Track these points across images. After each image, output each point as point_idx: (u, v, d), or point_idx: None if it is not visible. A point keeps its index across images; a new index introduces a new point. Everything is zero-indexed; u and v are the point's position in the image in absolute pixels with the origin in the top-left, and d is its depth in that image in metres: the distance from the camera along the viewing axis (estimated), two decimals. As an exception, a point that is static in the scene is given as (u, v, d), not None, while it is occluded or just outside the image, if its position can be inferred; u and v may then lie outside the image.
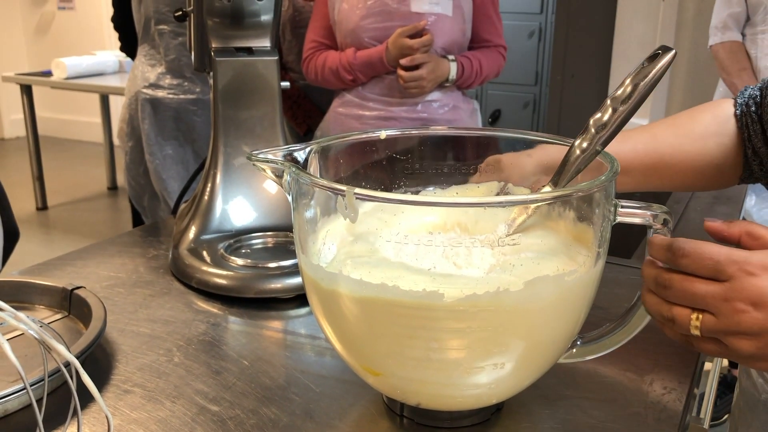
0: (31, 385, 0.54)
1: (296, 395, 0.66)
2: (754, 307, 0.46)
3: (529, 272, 0.50)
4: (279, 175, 0.59)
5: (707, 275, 0.48)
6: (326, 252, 0.57)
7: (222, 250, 0.92)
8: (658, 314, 0.53)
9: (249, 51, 1.00)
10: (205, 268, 0.88)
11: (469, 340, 0.51)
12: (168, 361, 0.71)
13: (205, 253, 0.92)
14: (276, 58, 1.00)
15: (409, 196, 0.53)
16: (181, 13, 1.01)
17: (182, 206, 1.07)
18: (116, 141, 2.64)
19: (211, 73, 0.99)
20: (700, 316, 0.49)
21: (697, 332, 0.49)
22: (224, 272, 0.87)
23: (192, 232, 0.96)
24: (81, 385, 0.50)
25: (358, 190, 0.50)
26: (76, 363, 0.44)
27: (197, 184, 1.05)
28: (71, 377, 0.47)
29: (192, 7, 0.99)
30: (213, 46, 0.99)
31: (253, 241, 0.96)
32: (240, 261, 0.90)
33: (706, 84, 2.76)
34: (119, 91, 3.66)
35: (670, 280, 0.50)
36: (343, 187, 0.50)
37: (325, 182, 0.53)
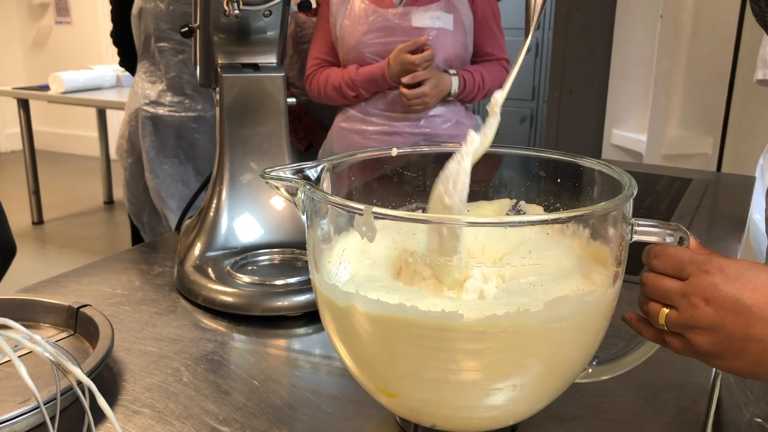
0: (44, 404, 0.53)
1: (307, 416, 0.65)
2: (705, 302, 0.50)
3: (549, 293, 0.50)
4: (292, 193, 0.58)
5: (672, 274, 0.53)
6: (341, 270, 0.56)
7: (228, 267, 0.92)
8: (640, 309, 0.57)
9: (255, 67, 1.00)
10: (211, 285, 0.88)
11: (487, 361, 0.50)
12: (176, 380, 0.70)
13: (210, 270, 0.91)
14: (282, 74, 1.00)
15: (427, 215, 0.53)
16: (187, 29, 1.01)
17: (186, 222, 1.06)
18: (113, 156, 2.63)
19: (217, 89, 0.99)
20: (666, 310, 0.53)
21: (663, 325, 0.54)
22: (230, 290, 0.86)
23: (197, 249, 0.95)
24: (92, 406, 0.49)
25: (375, 209, 0.49)
26: (92, 385, 0.43)
27: (201, 201, 1.04)
28: (84, 396, 0.47)
29: (198, 23, 0.99)
30: (219, 62, 0.99)
31: (260, 258, 0.96)
32: (246, 278, 0.89)
33: (704, 97, 2.78)
34: (116, 106, 3.66)
35: (646, 278, 0.55)
36: (361, 206, 0.50)
37: (341, 201, 0.53)
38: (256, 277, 0.89)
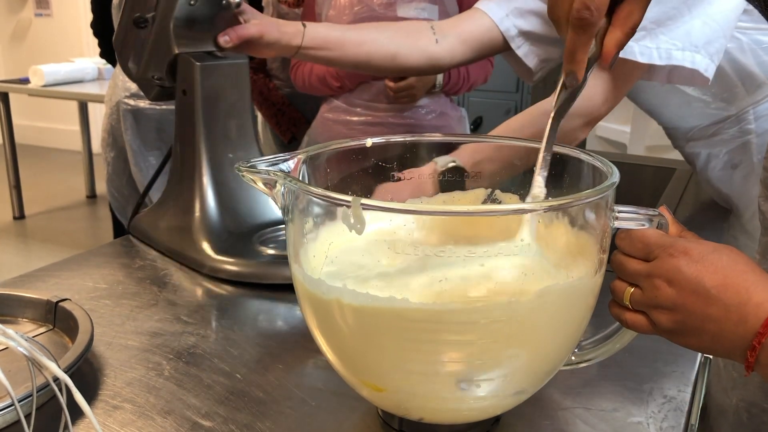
0: (19, 401, 0.52)
1: (291, 409, 0.64)
2: (668, 284, 0.52)
3: (539, 281, 0.49)
4: (270, 186, 0.57)
5: (639, 255, 0.55)
6: (327, 264, 0.55)
7: (253, 241, 0.96)
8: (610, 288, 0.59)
9: (215, 55, 0.99)
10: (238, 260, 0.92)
11: (477, 351, 0.50)
12: (158, 375, 0.69)
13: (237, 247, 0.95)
14: (246, 60, 0.99)
15: (417, 205, 0.52)
16: (139, 16, 0.98)
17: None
18: (96, 149, 2.60)
19: (169, 80, 0.98)
20: (631, 289, 0.55)
21: (627, 303, 0.56)
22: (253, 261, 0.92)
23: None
24: (69, 402, 0.48)
25: (364, 200, 0.48)
26: (69, 381, 0.42)
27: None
28: (61, 394, 0.46)
29: (154, 13, 0.97)
30: (176, 51, 0.98)
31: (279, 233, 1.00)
32: (270, 251, 0.94)
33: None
34: (98, 99, 3.61)
35: (614, 257, 0.57)
36: (349, 198, 0.48)
37: (327, 193, 0.51)
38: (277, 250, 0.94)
